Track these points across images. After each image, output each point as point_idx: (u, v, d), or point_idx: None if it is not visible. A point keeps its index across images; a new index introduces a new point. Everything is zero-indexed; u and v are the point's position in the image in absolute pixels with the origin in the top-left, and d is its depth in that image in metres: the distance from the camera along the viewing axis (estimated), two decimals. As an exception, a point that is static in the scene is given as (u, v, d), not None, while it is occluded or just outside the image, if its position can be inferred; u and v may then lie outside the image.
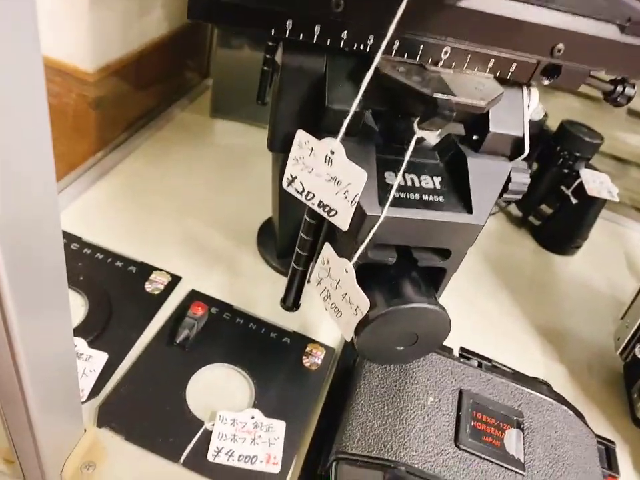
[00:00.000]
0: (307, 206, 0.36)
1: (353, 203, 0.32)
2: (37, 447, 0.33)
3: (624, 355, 0.54)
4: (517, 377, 0.47)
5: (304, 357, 0.50)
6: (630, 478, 0.50)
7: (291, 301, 0.46)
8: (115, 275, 0.52)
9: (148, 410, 0.43)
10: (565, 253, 0.78)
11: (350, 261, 0.35)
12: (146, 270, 0.54)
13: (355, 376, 0.45)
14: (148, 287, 0.52)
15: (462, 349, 0.49)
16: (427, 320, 0.35)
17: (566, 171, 0.74)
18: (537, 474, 0.39)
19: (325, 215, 0.34)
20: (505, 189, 0.38)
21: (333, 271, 0.37)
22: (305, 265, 0.42)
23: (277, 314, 0.54)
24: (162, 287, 0.53)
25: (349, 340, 0.37)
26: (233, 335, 0.51)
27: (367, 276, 0.35)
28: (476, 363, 0.47)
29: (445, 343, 0.48)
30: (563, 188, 0.74)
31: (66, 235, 0.55)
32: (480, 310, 0.64)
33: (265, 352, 0.50)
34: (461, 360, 0.46)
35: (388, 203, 0.32)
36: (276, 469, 0.41)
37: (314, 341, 0.52)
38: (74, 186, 0.62)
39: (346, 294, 0.35)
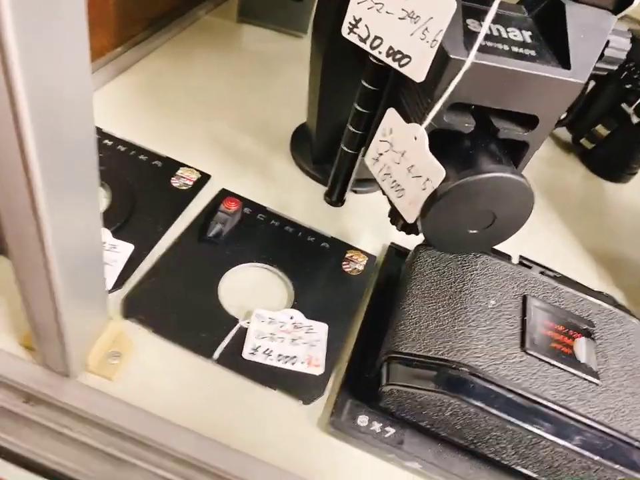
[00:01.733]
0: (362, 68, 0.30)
1: (434, 43, 0.27)
2: (60, 332, 0.29)
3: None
4: (583, 288, 0.42)
5: (344, 263, 0.46)
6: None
7: (336, 195, 0.41)
8: (139, 167, 0.48)
9: (177, 304, 0.39)
10: (618, 179, 0.72)
11: (421, 125, 0.29)
12: (172, 165, 0.49)
13: (403, 278, 0.41)
14: (174, 182, 0.48)
15: (521, 257, 0.44)
16: (506, 194, 0.30)
17: (629, 86, 0.67)
18: (612, 384, 0.35)
19: (395, 65, 0.29)
20: (600, 55, 0.32)
21: (397, 141, 0.31)
22: (357, 147, 0.37)
23: (313, 220, 0.49)
24: (190, 183, 0.48)
25: (411, 221, 0.32)
26: (268, 236, 0.46)
27: (438, 148, 0.30)
28: (538, 271, 0.43)
29: (502, 250, 0.43)
30: (624, 106, 0.67)
31: (84, 125, 0.50)
32: (534, 229, 0.59)
33: (302, 255, 0.46)
34: (522, 267, 0.42)
35: (476, 46, 0.26)
36: (318, 371, 0.38)
37: (354, 248, 0.48)
38: (92, 78, 0.57)
39: (412, 166, 0.30)
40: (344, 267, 0.46)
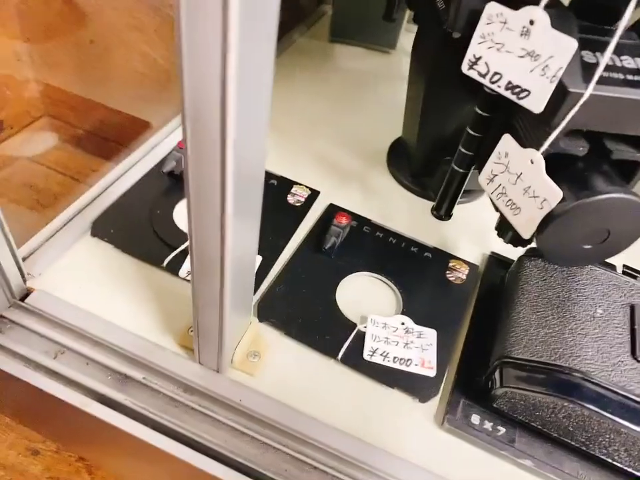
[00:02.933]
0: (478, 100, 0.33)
1: (554, 79, 0.29)
2: (221, 334, 0.35)
3: None
4: None
5: (447, 272, 0.49)
6: None
7: (444, 209, 0.44)
8: (258, 186, 0.53)
9: (302, 309, 0.44)
10: None
11: (538, 150, 0.32)
12: (286, 184, 0.55)
13: (509, 287, 0.44)
14: (290, 199, 0.53)
15: (625, 266, 0.45)
16: (620, 212, 0.32)
17: None
18: None
19: (513, 97, 0.32)
20: None
21: (513, 164, 0.34)
22: (468, 166, 0.40)
23: (415, 231, 0.53)
24: (302, 199, 0.53)
25: (527, 237, 0.35)
26: (374, 247, 0.50)
27: (553, 171, 0.33)
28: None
29: (607, 260, 0.45)
30: None
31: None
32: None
33: (407, 264, 0.49)
34: (627, 276, 0.43)
35: (595, 79, 0.29)
36: (431, 373, 0.41)
37: (456, 257, 0.51)
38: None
39: (529, 187, 0.33)
40: (447, 275, 0.49)
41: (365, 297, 0.46)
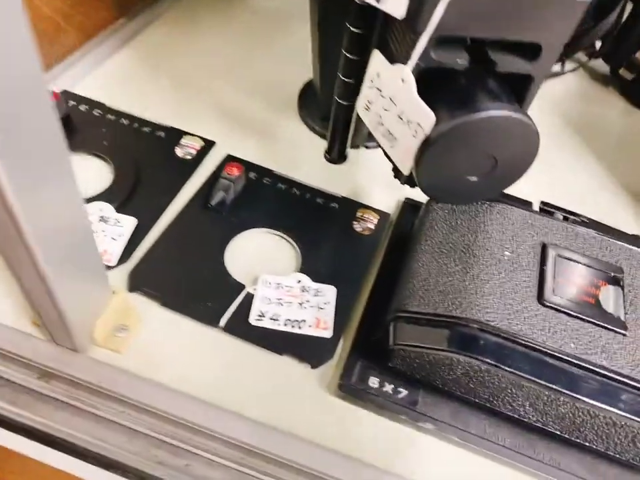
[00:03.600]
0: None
1: (410, -30, 0.24)
2: (59, 312, 0.30)
3: None
4: (613, 232, 0.39)
5: (354, 222, 0.44)
6: None
7: (336, 151, 0.39)
8: (142, 140, 0.47)
9: (183, 275, 0.39)
10: (663, 111, 0.65)
11: (406, 64, 0.27)
12: (176, 135, 0.48)
13: (414, 234, 0.39)
14: (179, 152, 0.47)
15: (543, 202, 0.41)
16: (507, 135, 0.27)
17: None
18: (635, 334, 0.32)
19: (372, 1, 0.26)
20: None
21: (385, 86, 0.29)
22: (351, 96, 0.35)
23: (323, 181, 0.47)
24: (194, 152, 0.47)
25: (407, 173, 0.30)
26: (274, 200, 0.45)
27: (430, 89, 0.28)
28: (561, 217, 0.39)
29: (522, 196, 0.40)
30: (668, 27, 0.60)
31: (87, 101, 0.50)
32: (562, 170, 0.55)
33: (310, 217, 0.44)
34: (543, 214, 0.39)
35: (458, -32, 0.23)
36: (326, 334, 0.37)
37: (366, 206, 0.46)
38: (95, 53, 0.56)
39: (402, 112, 0.28)
40: (354, 226, 0.44)
41: (260, 256, 0.41)
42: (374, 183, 0.49)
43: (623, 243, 0.37)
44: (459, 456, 0.33)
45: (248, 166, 0.47)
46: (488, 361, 0.31)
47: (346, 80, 0.34)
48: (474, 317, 0.31)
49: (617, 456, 0.33)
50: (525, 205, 0.39)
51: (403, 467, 0.33)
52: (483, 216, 0.37)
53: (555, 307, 0.32)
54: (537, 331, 0.31)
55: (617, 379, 0.30)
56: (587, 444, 0.33)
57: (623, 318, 0.33)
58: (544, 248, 0.36)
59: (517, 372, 0.30)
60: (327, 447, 0.32)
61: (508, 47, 0.28)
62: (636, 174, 0.57)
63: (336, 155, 0.38)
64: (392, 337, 0.33)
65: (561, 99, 0.65)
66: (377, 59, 0.29)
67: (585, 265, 0.35)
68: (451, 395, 0.35)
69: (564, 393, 0.30)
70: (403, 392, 0.35)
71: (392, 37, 0.29)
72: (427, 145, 0.27)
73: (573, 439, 0.33)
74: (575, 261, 0.35)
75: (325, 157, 0.39)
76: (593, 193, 0.53)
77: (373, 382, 0.35)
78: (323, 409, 0.34)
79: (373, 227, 0.44)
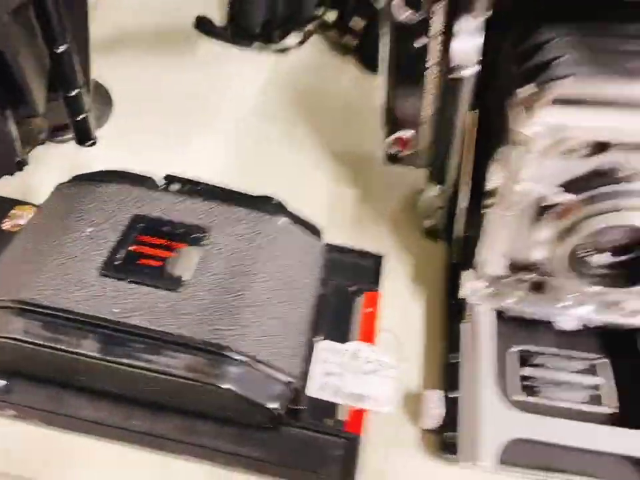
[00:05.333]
0: None
1: None
2: None
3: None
4: (228, 196, 0.39)
5: (5, 220, 0.43)
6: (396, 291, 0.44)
7: None
8: None
9: None
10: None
11: None
12: None
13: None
14: None
15: (167, 176, 0.41)
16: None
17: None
18: (199, 291, 0.33)
19: None
20: None
21: None
22: None
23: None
24: None
25: None
26: None
27: None
28: (176, 188, 0.40)
29: (138, 172, 0.40)
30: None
31: None
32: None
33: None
34: (157, 187, 0.39)
35: None
36: None
37: (24, 203, 0.45)
38: None
39: None
40: (4, 225, 0.43)
41: None
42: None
43: (225, 205, 0.38)
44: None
45: None
46: (38, 342, 0.31)
47: None
48: (18, 297, 0.31)
49: (197, 411, 0.33)
50: (142, 179, 0.40)
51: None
52: (84, 198, 0.38)
53: (114, 276, 0.33)
54: (91, 303, 0.32)
55: (162, 339, 0.31)
56: (177, 406, 0.34)
57: (185, 278, 0.33)
58: (133, 220, 0.36)
59: (70, 350, 0.30)
60: None
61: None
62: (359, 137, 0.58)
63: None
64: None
65: (292, 72, 0.66)
66: None
67: (167, 230, 0.36)
68: (51, 382, 0.34)
69: (97, 357, 0.30)
70: (2, 382, 0.34)
71: None
72: None
73: (165, 403, 0.34)
74: (157, 228, 0.36)
75: None
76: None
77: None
78: None
79: (23, 222, 0.44)
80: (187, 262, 0.34)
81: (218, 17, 0.70)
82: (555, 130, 0.28)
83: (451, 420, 0.35)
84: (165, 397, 0.33)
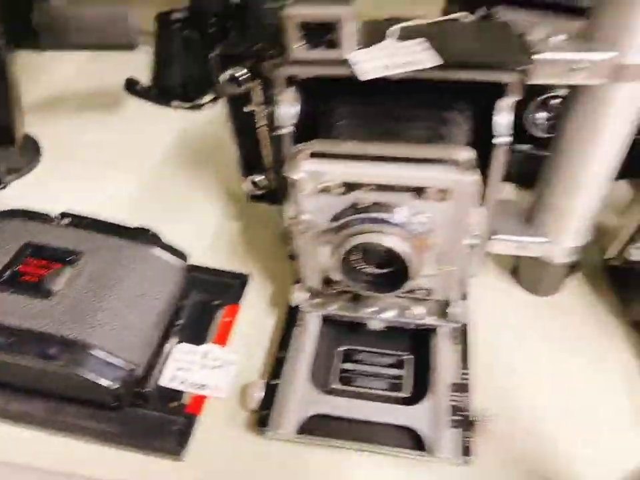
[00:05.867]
0: None
1: None
2: None
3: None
4: (108, 229, 0.49)
5: None
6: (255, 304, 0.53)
7: None
8: None
9: None
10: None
11: None
12: None
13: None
14: None
15: (62, 213, 0.51)
16: None
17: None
18: (66, 299, 0.42)
19: None
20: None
21: None
22: None
23: None
24: None
25: None
26: None
27: None
28: (67, 221, 0.50)
29: (37, 210, 0.51)
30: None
31: None
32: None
33: None
34: (52, 221, 0.49)
35: None
36: None
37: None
38: None
39: None
40: None
41: None
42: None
43: (100, 234, 0.48)
44: None
45: None
46: None
47: None
48: None
49: (63, 394, 0.43)
50: (39, 216, 0.50)
51: None
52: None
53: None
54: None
55: (30, 335, 0.40)
56: (47, 390, 0.43)
57: (55, 289, 0.43)
58: (23, 247, 0.46)
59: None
60: None
61: None
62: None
63: None
64: None
65: (206, 124, 0.77)
66: None
67: (48, 254, 0.45)
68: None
69: None
70: None
71: None
72: None
73: (38, 388, 0.43)
74: (41, 252, 0.45)
75: None
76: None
77: None
78: None
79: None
80: (58, 277, 0.44)
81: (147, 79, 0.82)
82: (313, 175, 0.38)
83: (269, 402, 0.44)
84: (37, 383, 0.42)
